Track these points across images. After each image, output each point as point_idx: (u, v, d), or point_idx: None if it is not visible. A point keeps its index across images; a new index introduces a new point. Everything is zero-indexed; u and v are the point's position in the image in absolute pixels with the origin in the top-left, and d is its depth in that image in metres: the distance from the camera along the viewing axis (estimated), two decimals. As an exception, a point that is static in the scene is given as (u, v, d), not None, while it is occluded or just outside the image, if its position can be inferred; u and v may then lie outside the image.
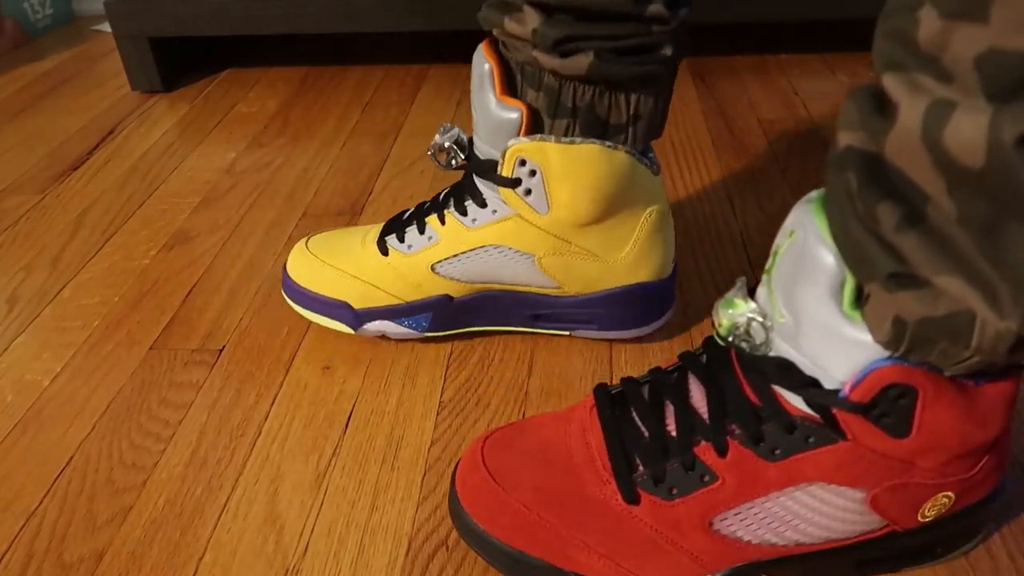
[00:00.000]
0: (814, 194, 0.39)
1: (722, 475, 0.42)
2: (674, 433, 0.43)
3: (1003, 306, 0.31)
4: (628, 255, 0.59)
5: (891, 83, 0.31)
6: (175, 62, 1.21)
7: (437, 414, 0.59)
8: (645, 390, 0.46)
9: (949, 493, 0.42)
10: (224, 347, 0.66)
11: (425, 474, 0.54)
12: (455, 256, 0.61)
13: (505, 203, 0.58)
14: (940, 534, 0.45)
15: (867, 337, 0.36)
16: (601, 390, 0.47)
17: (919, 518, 0.43)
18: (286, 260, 0.67)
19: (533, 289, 0.62)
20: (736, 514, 0.42)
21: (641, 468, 0.43)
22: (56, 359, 0.66)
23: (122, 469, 0.56)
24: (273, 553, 0.49)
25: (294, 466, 0.55)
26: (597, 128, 0.55)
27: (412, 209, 0.64)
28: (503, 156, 0.55)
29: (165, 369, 0.64)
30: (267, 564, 0.49)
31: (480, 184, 0.59)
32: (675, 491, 0.43)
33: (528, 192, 0.56)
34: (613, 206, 0.57)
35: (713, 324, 0.42)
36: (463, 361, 0.64)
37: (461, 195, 0.60)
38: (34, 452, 0.57)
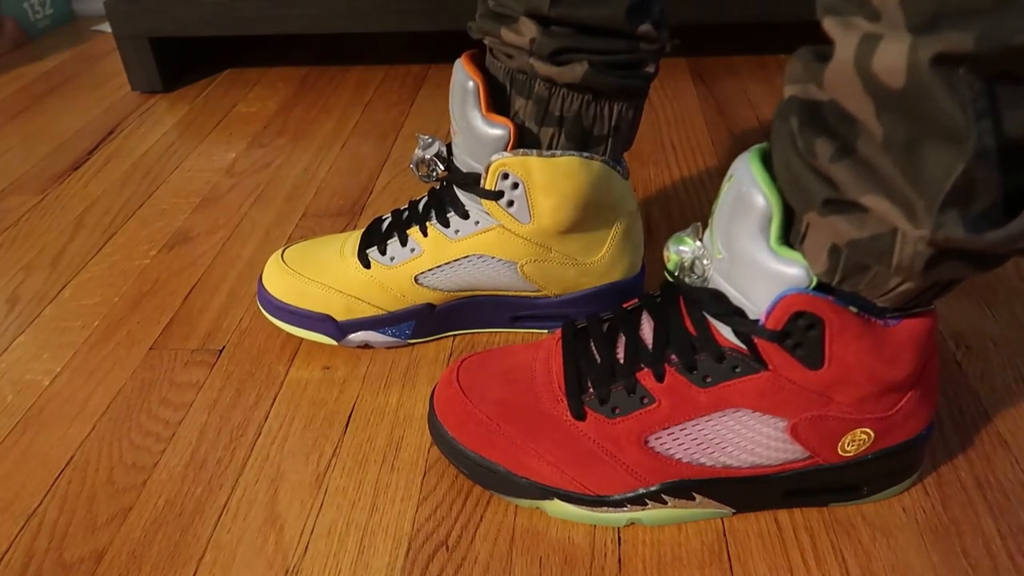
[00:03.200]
0: (753, 147, 0.43)
1: (659, 398, 0.46)
2: (622, 360, 0.48)
3: (919, 217, 0.35)
4: (603, 257, 0.62)
5: (829, 25, 0.36)
6: (175, 62, 1.21)
7: (437, 414, 0.59)
8: (606, 325, 0.51)
9: (867, 430, 0.46)
10: (224, 347, 0.66)
11: (425, 474, 0.54)
12: (438, 267, 0.62)
13: (488, 214, 0.59)
14: (865, 472, 0.48)
15: (787, 270, 0.40)
16: (568, 324, 0.52)
17: (840, 452, 0.47)
18: (261, 273, 0.65)
19: (513, 293, 0.64)
20: (669, 434, 0.47)
21: (591, 389, 0.48)
22: (56, 359, 0.66)
23: (122, 469, 0.56)
24: (273, 553, 0.49)
25: (294, 466, 0.55)
26: (580, 138, 0.57)
27: (390, 218, 0.64)
28: (486, 170, 0.57)
29: (165, 369, 0.64)
30: (267, 564, 0.49)
31: (462, 196, 0.60)
32: (617, 411, 0.47)
33: (511, 203, 0.58)
34: (591, 213, 0.59)
35: (664, 260, 0.47)
36: (463, 361, 0.64)
37: (443, 206, 0.61)
38: (34, 452, 0.57)
